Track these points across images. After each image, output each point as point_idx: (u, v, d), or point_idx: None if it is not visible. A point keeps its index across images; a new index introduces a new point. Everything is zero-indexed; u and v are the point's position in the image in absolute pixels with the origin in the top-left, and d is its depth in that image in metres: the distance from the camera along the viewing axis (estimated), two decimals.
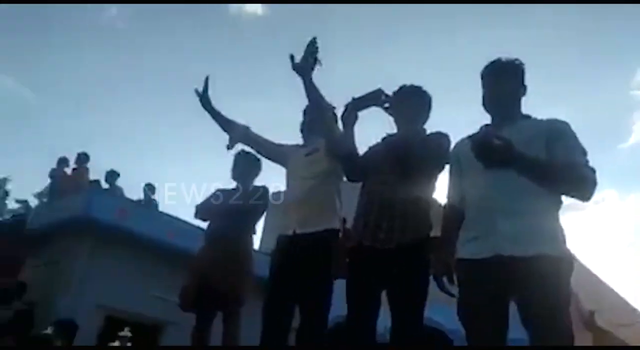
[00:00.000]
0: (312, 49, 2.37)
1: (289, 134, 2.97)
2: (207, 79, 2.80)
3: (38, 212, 8.30)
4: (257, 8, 27.29)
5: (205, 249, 3.37)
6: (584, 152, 1.86)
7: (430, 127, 2.48)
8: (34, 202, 14.36)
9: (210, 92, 2.82)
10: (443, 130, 2.42)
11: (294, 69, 2.40)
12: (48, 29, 23.59)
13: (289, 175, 2.80)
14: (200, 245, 3.47)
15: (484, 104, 2.06)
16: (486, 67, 2.04)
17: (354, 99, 2.44)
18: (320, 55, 2.40)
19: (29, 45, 23.22)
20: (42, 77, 26.31)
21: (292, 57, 2.39)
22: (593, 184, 1.79)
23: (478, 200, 1.91)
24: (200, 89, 2.80)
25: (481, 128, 2.10)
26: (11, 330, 5.25)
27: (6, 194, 16.25)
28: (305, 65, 2.38)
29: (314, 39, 2.40)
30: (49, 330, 5.06)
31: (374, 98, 2.41)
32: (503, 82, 1.99)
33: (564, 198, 1.91)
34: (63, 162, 8.17)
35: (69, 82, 26.09)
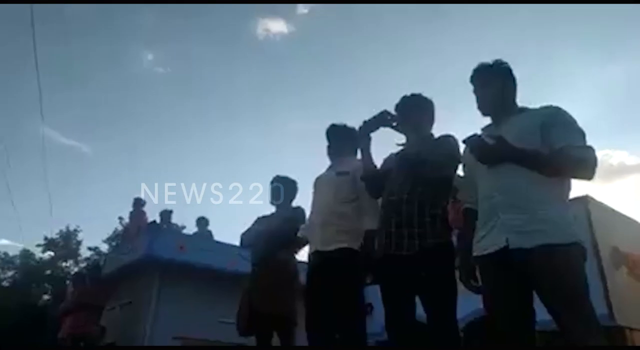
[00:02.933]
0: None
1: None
2: None
3: (109, 257, 8.93)
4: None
5: (252, 275, 3.56)
6: (579, 133, 1.90)
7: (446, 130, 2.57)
8: (104, 247, 15.42)
9: None
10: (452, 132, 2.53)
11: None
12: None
13: (316, 193, 3.06)
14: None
15: (478, 108, 2.15)
16: (471, 75, 2.14)
17: (364, 122, 2.61)
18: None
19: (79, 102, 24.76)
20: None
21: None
22: (592, 162, 1.84)
23: (483, 199, 1.99)
24: None
25: (483, 129, 2.19)
26: None
27: (79, 243, 17.41)
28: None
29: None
30: None
31: (381, 119, 2.56)
32: (487, 85, 2.09)
33: (574, 183, 1.96)
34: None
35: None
